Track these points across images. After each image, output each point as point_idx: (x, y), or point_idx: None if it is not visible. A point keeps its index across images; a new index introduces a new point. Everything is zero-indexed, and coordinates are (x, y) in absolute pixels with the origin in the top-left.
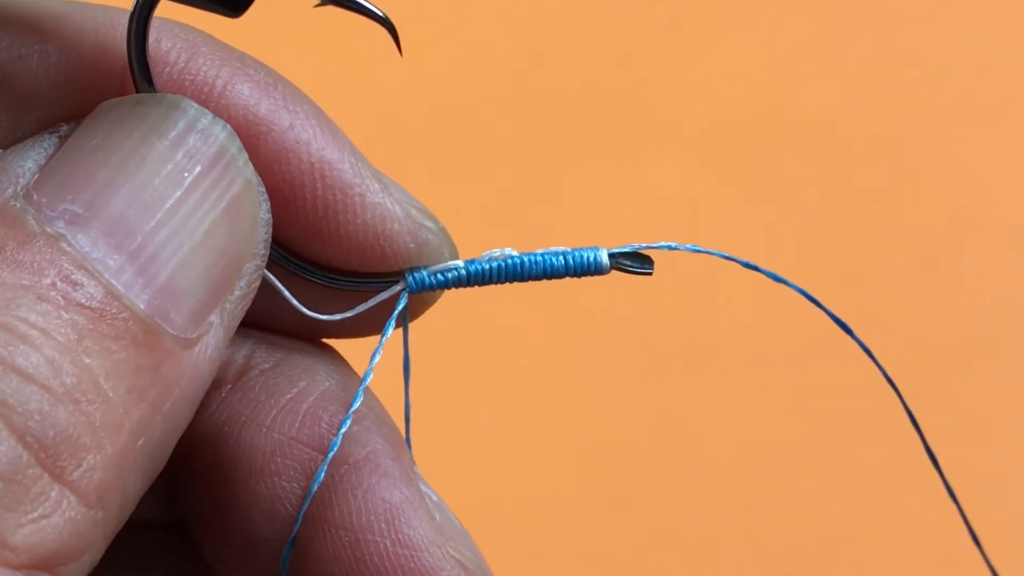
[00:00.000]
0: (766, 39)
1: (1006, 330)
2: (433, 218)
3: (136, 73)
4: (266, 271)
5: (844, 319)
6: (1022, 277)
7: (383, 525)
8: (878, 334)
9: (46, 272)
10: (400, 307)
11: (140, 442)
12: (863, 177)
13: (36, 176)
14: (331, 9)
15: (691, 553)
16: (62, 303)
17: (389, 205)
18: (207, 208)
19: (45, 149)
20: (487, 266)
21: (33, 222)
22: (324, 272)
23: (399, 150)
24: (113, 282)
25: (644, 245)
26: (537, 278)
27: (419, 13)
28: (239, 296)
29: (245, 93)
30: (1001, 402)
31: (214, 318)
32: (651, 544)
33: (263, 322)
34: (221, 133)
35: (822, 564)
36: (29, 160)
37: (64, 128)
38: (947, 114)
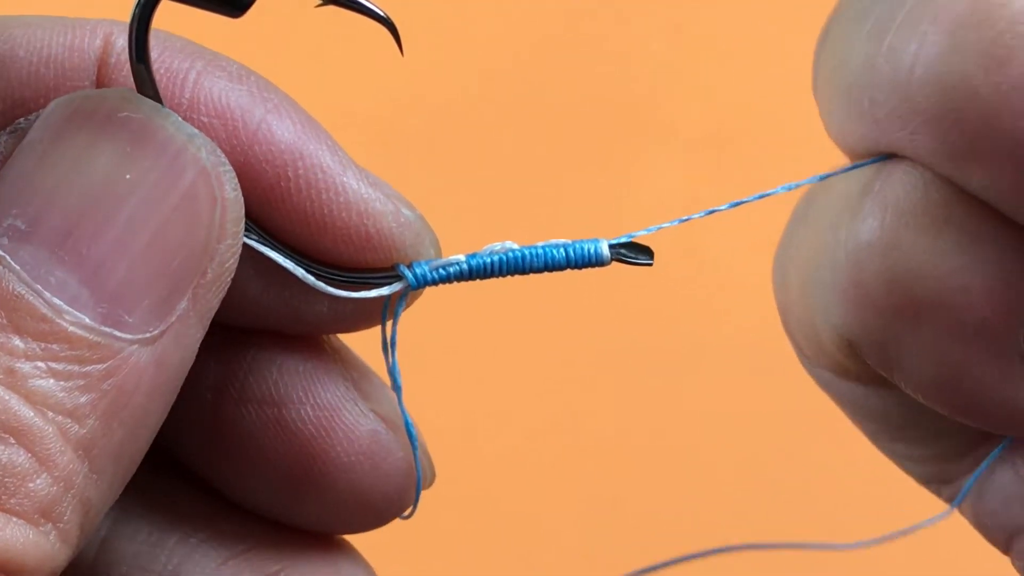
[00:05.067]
0: (766, 39)
1: None
2: (411, 206)
3: (137, 75)
4: (273, 252)
5: None
6: None
7: (301, 393)
8: None
9: None
10: (401, 303)
11: (94, 452)
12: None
13: None
14: (332, 9)
15: (689, 553)
16: (5, 325)
17: (369, 187)
18: (155, 204)
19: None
20: (488, 259)
21: None
22: (324, 267)
23: (400, 148)
24: (55, 299)
25: (639, 232)
26: (538, 271)
27: (420, 13)
28: (213, 277)
29: (219, 84)
30: None
31: (182, 305)
32: (650, 545)
33: (262, 319)
34: (166, 122)
35: (821, 564)
36: None
37: (22, 123)
38: None
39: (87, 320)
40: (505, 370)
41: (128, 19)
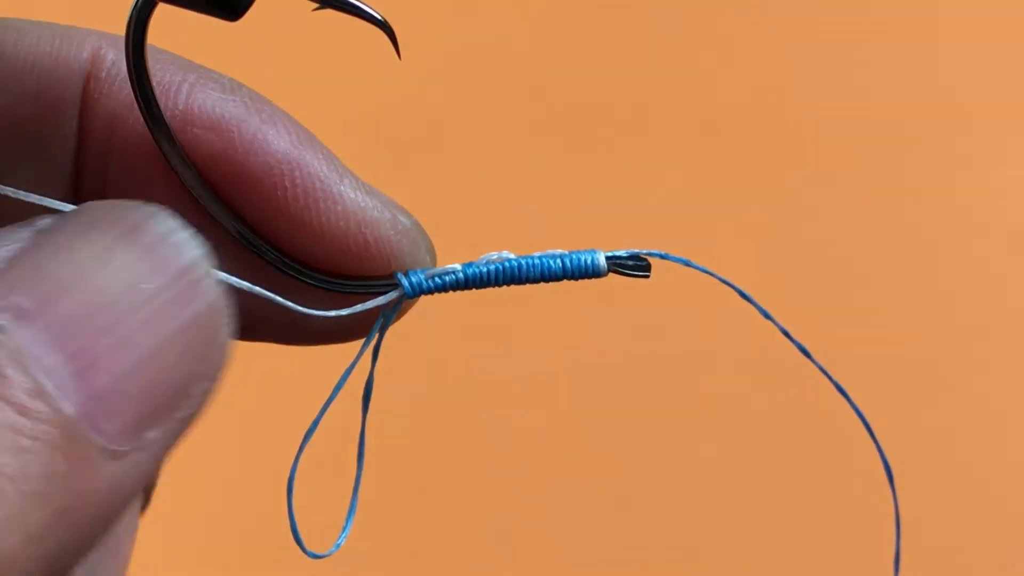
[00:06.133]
0: (766, 39)
1: (1006, 330)
2: (407, 214)
3: (135, 79)
4: (253, 285)
5: (842, 320)
6: (1022, 277)
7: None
8: (877, 334)
9: None
10: (394, 311)
11: (36, 548)
12: (862, 177)
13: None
14: (329, 12)
15: (689, 553)
16: None
17: (365, 195)
18: (162, 322)
19: (20, 240)
20: (484, 269)
21: None
22: (319, 275)
23: (397, 152)
24: (44, 380)
25: (638, 251)
26: (535, 281)
27: (417, 15)
28: (182, 417)
29: (213, 95)
30: (1001, 402)
31: (152, 435)
32: (649, 546)
33: (256, 328)
34: (194, 250)
35: (822, 563)
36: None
37: (43, 222)
38: (947, 114)
39: (69, 410)
40: (501, 374)
41: (123, 23)
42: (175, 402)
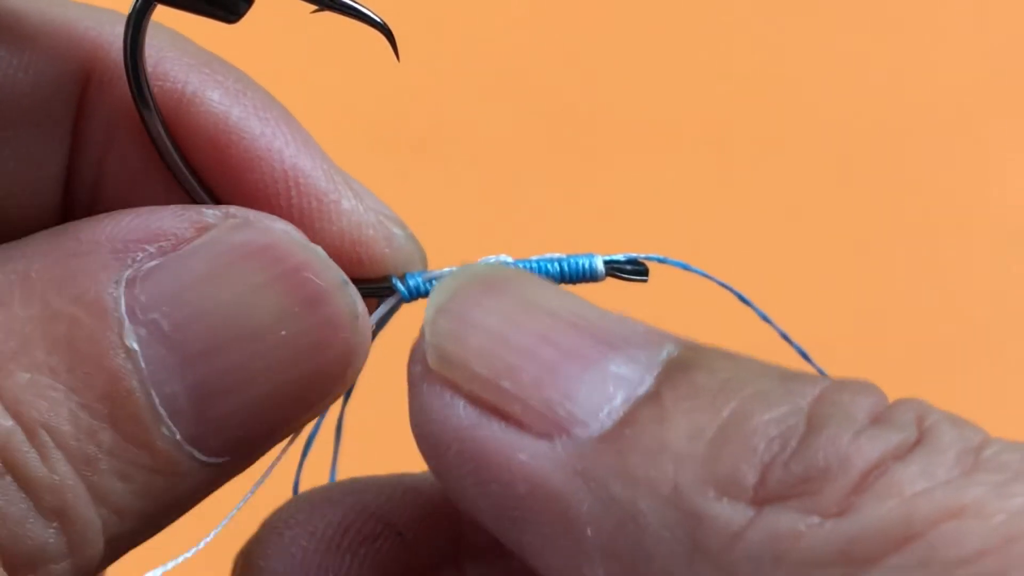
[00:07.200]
0: (766, 39)
1: (1007, 330)
2: (402, 224)
3: (132, 82)
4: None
5: (843, 317)
6: (1022, 277)
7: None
8: (878, 333)
9: (100, 383)
10: (389, 312)
11: (118, 545)
12: (863, 177)
13: (149, 266)
14: (327, 14)
15: None
16: (105, 414)
17: (363, 211)
18: (293, 365)
19: (168, 243)
20: None
21: (115, 327)
22: None
23: (396, 155)
24: (161, 408)
25: (635, 255)
26: None
27: (416, 18)
28: (284, 436)
29: (215, 100)
30: (1002, 402)
31: (251, 450)
32: None
33: None
34: (344, 296)
35: None
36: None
37: (191, 243)
38: (948, 114)
39: (178, 436)
40: None
41: (125, 25)
42: (282, 430)
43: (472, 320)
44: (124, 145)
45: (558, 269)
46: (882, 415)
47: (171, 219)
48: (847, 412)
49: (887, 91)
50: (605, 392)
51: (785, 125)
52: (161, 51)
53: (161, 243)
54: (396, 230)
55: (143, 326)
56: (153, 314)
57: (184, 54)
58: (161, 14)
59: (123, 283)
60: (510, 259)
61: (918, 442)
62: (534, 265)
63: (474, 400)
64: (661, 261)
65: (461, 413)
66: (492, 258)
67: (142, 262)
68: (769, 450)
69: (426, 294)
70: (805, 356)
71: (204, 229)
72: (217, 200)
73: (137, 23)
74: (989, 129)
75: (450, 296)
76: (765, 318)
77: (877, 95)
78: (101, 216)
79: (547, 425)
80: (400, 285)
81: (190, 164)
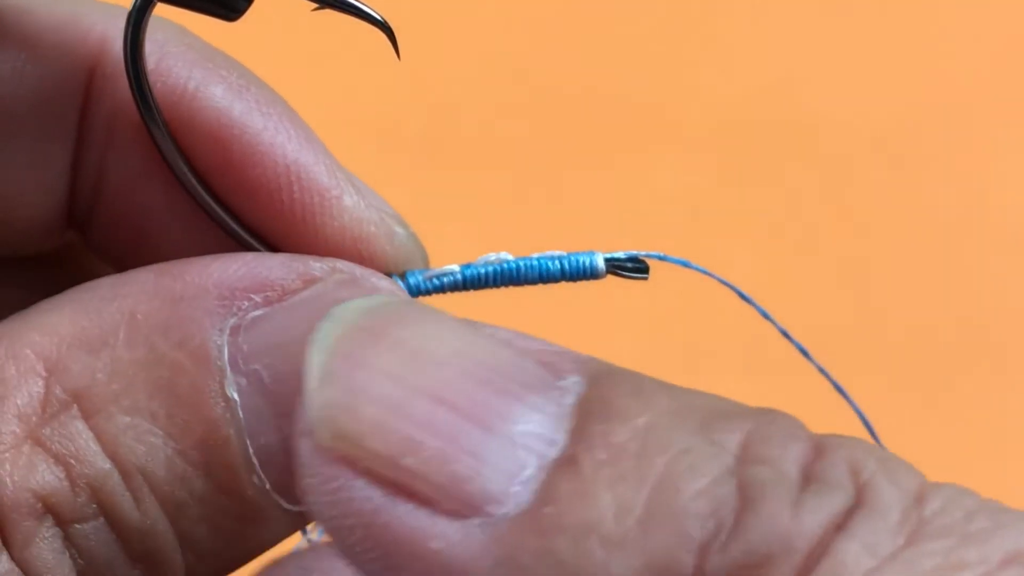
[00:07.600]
0: (767, 39)
1: (1007, 330)
2: (403, 222)
3: (133, 81)
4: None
5: (844, 315)
6: (1023, 277)
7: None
8: (878, 331)
9: (198, 430)
10: None
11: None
12: (864, 177)
13: (254, 315)
14: (328, 12)
15: None
16: (200, 461)
17: (364, 208)
18: None
19: (273, 294)
20: (483, 270)
21: (217, 376)
22: None
23: (396, 154)
24: (255, 459)
25: (636, 253)
26: (533, 282)
27: (416, 15)
28: None
29: (217, 96)
30: (1002, 402)
31: None
32: None
33: None
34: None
35: None
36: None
37: (298, 295)
38: (948, 115)
39: (267, 486)
40: None
41: (125, 24)
42: None
43: (360, 386)
44: (126, 142)
45: (559, 267)
46: (815, 471)
47: (279, 268)
48: (779, 472)
49: (888, 91)
50: (515, 458)
51: (785, 124)
52: (164, 46)
53: (267, 293)
54: (398, 228)
55: (244, 376)
56: (255, 364)
57: (188, 49)
58: (162, 13)
59: (227, 331)
60: (510, 257)
61: (857, 505)
62: (534, 263)
63: (376, 479)
64: (662, 259)
65: (363, 495)
66: (492, 255)
67: (247, 311)
68: (704, 531)
69: (427, 293)
70: (806, 354)
71: (311, 282)
72: (220, 201)
73: (137, 22)
74: (989, 129)
75: (331, 353)
76: (766, 315)
77: (878, 95)
78: (207, 258)
79: (458, 504)
80: (401, 283)
81: (190, 164)
